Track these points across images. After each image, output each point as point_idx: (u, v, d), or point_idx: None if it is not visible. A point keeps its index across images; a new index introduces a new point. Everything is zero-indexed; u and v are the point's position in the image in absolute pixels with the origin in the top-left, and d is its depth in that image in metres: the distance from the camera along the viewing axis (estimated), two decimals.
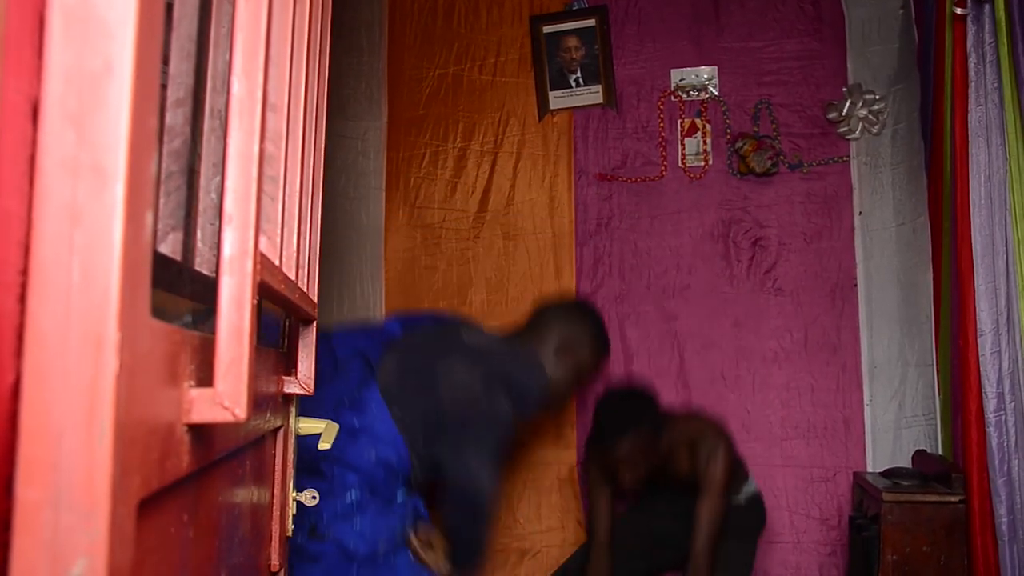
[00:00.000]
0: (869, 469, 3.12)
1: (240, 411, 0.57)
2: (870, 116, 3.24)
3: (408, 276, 3.56)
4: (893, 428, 3.14)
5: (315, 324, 1.15)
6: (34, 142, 0.45)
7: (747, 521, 2.88)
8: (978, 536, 2.38)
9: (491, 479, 2.16)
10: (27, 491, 0.41)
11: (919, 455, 2.95)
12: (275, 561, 1.07)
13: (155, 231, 0.81)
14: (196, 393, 0.57)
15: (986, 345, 2.32)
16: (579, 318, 2.60)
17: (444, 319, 2.56)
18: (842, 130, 3.29)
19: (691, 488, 2.74)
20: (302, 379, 1.13)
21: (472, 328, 2.45)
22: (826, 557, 3.15)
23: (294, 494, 1.19)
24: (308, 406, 1.85)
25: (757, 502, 2.93)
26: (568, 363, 2.52)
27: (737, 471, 2.84)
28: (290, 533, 1.16)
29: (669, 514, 2.87)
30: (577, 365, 2.54)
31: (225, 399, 0.57)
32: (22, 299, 0.44)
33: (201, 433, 0.60)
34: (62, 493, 0.42)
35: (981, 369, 2.33)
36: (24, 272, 0.44)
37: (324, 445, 1.26)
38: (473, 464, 2.12)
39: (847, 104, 3.25)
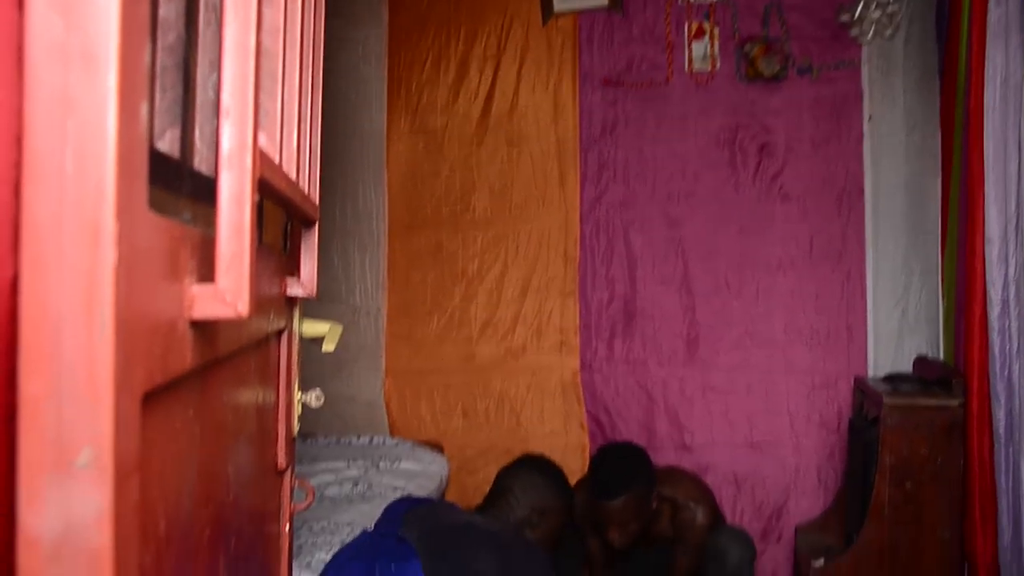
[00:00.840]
0: (871, 375, 3.15)
1: (242, 307, 0.57)
2: (883, 18, 3.16)
3: (410, 182, 3.54)
4: (896, 334, 3.16)
5: (316, 226, 1.14)
6: (21, 30, 0.44)
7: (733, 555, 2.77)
8: (975, 438, 2.42)
9: None
10: (29, 384, 0.41)
11: (920, 361, 2.97)
12: (282, 460, 1.09)
13: (151, 125, 0.80)
14: (198, 289, 0.57)
15: (993, 251, 2.31)
16: (543, 481, 2.48)
17: (435, 502, 2.50)
18: (854, 33, 3.21)
19: (667, 545, 2.78)
20: (304, 281, 1.12)
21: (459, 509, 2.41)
22: (825, 460, 3.21)
23: (299, 395, 1.20)
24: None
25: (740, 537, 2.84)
26: (542, 531, 2.43)
27: (717, 520, 2.84)
28: (296, 433, 1.18)
29: (645, 570, 2.85)
30: (550, 531, 2.45)
31: (227, 295, 0.57)
32: (17, 193, 0.43)
33: (204, 330, 0.60)
34: (64, 385, 0.42)
35: (987, 275, 2.33)
36: (18, 165, 0.44)
37: (328, 347, 1.26)
38: None
39: (860, 6, 3.16)
